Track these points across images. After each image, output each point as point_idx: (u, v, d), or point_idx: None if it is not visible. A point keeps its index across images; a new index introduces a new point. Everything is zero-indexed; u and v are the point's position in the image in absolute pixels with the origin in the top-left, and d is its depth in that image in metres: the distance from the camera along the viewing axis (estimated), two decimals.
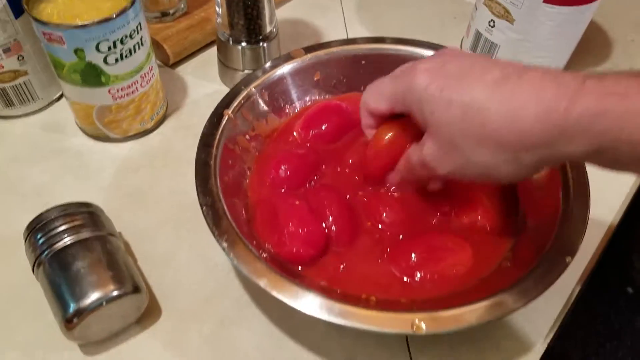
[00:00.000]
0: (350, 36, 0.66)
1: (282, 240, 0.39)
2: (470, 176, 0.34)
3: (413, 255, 0.39)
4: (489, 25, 0.56)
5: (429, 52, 0.49)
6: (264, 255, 0.37)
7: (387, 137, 0.39)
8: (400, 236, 0.41)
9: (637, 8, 0.71)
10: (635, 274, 0.47)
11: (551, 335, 0.41)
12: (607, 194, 0.49)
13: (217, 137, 0.43)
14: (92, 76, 0.46)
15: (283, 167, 0.44)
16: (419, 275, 0.39)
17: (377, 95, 0.38)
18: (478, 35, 0.58)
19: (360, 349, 0.40)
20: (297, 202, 0.41)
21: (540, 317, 0.42)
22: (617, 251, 0.47)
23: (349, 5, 0.71)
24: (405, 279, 0.39)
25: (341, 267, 0.40)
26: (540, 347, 0.40)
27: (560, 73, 0.29)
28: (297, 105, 0.50)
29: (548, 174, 0.42)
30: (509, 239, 0.41)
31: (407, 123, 0.37)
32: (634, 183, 0.51)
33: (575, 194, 0.39)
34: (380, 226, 0.41)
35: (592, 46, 0.64)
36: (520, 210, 0.43)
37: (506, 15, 0.53)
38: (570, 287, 0.44)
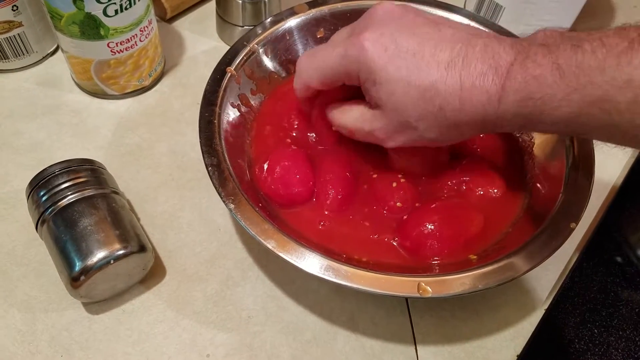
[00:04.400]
0: None
1: (265, 178, 0.40)
2: (417, 146, 0.36)
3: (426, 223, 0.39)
4: None
5: (434, 10, 0.47)
6: (260, 204, 0.38)
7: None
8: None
9: None
10: (627, 248, 0.48)
11: (549, 302, 0.42)
12: (606, 163, 0.50)
13: (220, 95, 0.42)
14: (91, 28, 0.44)
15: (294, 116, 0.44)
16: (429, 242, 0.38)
17: (318, 68, 0.37)
18: None
19: (362, 313, 0.40)
20: (293, 148, 0.41)
21: (538, 284, 0.42)
22: (613, 221, 0.48)
23: None
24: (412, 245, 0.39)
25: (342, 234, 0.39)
26: (538, 313, 0.41)
27: (497, 48, 0.31)
28: None
29: (553, 144, 0.42)
30: (516, 207, 0.41)
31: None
32: (632, 154, 0.52)
33: (580, 162, 0.39)
34: (385, 210, 0.41)
35: (596, 11, 0.64)
36: (528, 179, 0.43)
37: None
38: (568, 256, 0.44)
